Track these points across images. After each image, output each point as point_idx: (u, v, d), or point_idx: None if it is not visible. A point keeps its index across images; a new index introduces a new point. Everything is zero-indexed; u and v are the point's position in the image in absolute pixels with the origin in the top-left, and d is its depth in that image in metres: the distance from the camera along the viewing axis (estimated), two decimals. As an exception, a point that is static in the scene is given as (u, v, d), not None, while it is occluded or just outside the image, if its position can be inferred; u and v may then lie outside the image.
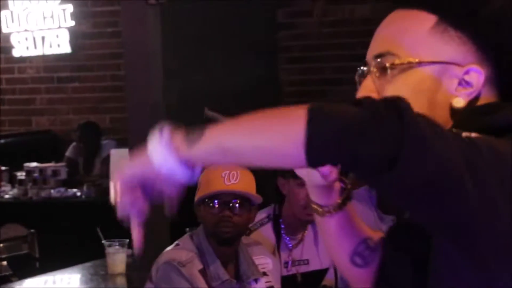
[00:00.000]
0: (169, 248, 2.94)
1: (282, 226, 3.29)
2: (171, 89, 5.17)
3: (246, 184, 2.88)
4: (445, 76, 1.23)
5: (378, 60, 1.24)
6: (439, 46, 1.23)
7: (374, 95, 1.22)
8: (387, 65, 1.23)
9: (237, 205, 2.84)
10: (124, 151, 4.65)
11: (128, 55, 4.75)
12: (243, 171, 2.85)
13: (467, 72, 1.23)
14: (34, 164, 6.74)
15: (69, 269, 4.26)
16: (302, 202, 3.03)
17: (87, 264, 4.22)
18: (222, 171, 2.82)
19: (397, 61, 1.23)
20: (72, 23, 7.58)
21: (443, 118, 1.20)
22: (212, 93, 5.61)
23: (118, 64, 6.84)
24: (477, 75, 1.23)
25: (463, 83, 1.23)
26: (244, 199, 2.87)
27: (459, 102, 1.22)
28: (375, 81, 1.25)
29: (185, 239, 2.94)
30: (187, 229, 3.42)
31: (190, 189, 1.19)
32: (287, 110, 1.08)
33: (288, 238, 3.31)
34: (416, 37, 1.24)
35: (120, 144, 6.38)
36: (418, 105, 1.12)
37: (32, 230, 5.14)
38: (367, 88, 1.25)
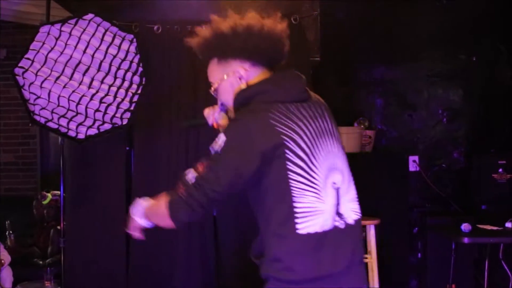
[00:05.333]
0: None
1: None
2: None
3: None
4: (234, 78, 2.75)
5: (211, 87, 2.83)
6: (223, 67, 2.77)
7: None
8: (213, 89, 2.84)
9: None
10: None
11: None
12: None
13: (238, 72, 2.74)
14: None
15: None
16: None
17: None
18: None
19: (215, 85, 2.82)
20: None
21: None
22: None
23: None
24: (242, 70, 2.74)
25: (241, 76, 2.75)
26: None
27: (243, 85, 2.73)
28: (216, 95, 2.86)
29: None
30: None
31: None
32: (162, 207, 2.69)
33: None
34: (213, 70, 2.82)
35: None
36: (231, 97, 2.74)
37: None
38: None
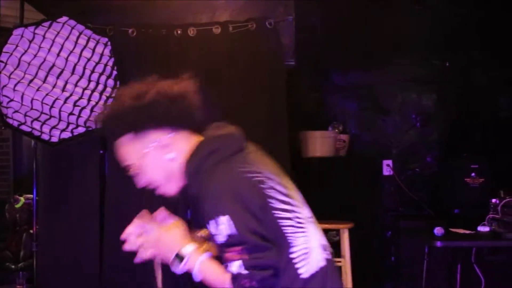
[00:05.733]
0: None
1: None
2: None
3: None
4: (157, 150, 2.41)
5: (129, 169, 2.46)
6: (140, 142, 2.39)
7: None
8: (133, 170, 2.45)
9: None
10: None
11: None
12: None
13: (160, 141, 2.41)
14: None
15: None
16: None
17: None
18: None
19: (136, 164, 2.42)
20: None
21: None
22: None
23: None
24: (165, 138, 2.41)
25: (166, 145, 2.42)
26: None
27: (171, 155, 2.44)
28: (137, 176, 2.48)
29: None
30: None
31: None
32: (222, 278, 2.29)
33: None
34: (128, 147, 2.42)
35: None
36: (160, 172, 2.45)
37: None
38: None
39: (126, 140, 2.40)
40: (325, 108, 6.63)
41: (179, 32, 5.57)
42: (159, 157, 2.40)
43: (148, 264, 5.57)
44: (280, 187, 2.36)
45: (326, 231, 2.84)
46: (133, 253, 5.46)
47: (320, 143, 6.19)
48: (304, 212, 2.44)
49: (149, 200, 5.44)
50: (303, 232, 2.36)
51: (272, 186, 2.33)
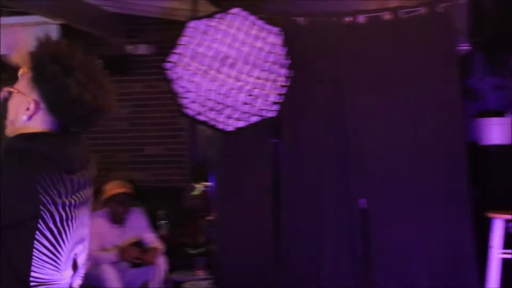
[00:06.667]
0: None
1: None
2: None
3: None
4: (24, 103, 2.32)
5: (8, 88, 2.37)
6: (27, 88, 2.30)
7: None
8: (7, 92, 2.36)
9: None
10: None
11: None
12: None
13: (30, 103, 2.30)
14: None
15: None
16: None
17: None
18: None
19: (13, 91, 2.36)
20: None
21: None
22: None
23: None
24: (33, 105, 2.30)
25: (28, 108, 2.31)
26: None
27: (23, 117, 2.33)
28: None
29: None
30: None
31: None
32: None
33: None
34: (22, 80, 2.34)
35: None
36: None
37: None
38: None
39: (26, 73, 2.36)
40: (502, 93, 6.39)
41: (348, 19, 5.55)
42: (19, 107, 2.34)
43: (320, 255, 5.61)
44: (59, 222, 2.30)
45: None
46: (307, 244, 5.44)
47: (497, 130, 5.97)
48: (75, 250, 2.40)
49: (320, 187, 5.50)
50: (55, 266, 2.31)
51: (52, 216, 2.27)
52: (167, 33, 8.73)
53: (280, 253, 5.66)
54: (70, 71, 2.27)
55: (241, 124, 5.31)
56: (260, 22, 5.35)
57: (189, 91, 5.18)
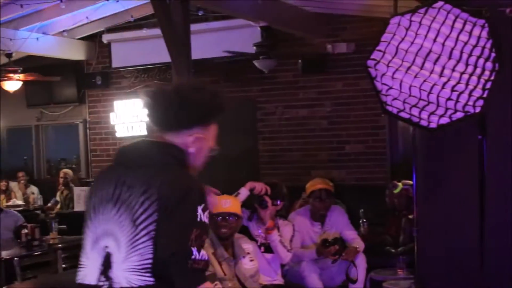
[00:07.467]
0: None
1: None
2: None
3: (235, 206, 5.51)
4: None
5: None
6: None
7: None
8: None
9: (229, 217, 5.46)
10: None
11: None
12: (233, 199, 5.59)
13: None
14: None
15: None
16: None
17: None
18: (221, 199, 5.27)
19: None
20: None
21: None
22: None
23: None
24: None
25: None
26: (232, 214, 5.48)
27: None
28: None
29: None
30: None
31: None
32: None
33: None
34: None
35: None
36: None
37: None
38: None
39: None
40: None
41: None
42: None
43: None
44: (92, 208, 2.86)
45: None
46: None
47: None
48: (103, 241, 2.79)
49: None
50: (84, 249, 2.87)
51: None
52: (366, 30, 8.73)
53: (486, 255, 5.47)
54: None
55: (444, 120, 5.18)
56: (464, 15, 5.20)
57: (391, 88, 5.13)
